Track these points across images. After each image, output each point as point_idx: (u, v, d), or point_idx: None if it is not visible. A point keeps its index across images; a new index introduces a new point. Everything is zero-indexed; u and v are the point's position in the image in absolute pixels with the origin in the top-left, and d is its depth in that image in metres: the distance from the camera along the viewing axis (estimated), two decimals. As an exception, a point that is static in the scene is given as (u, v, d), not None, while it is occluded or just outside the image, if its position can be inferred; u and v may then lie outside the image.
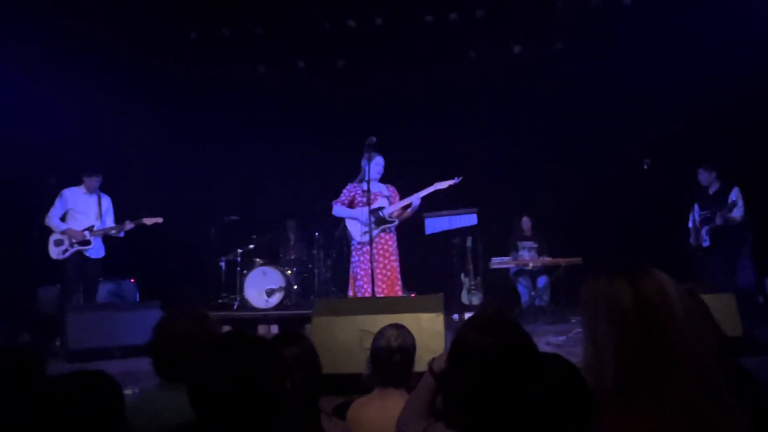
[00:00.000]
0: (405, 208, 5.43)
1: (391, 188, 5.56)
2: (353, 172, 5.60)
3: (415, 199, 5.33)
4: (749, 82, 6.94)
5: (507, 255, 7.83)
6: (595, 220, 8.08)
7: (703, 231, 6.26)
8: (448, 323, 3.96)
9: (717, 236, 6.15)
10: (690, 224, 6.42)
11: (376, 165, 5.38)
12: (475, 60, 8.47)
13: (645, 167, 6.02)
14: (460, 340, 1.51)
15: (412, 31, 8.10)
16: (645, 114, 7.66)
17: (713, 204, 6.16)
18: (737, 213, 6.03)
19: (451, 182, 5.31)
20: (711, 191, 6.28)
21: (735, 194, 6.09)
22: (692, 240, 6.37)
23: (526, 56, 8.32)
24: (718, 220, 6.06)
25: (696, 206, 6.41)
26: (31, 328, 6.37)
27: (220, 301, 8.05)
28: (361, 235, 5.33)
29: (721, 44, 7.04)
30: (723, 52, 7.07)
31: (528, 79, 8.25)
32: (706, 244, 6.26)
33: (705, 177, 6.29)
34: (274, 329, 6.74)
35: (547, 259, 7.45)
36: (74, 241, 6.15)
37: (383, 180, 5.56)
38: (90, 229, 6.22)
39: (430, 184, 5.33)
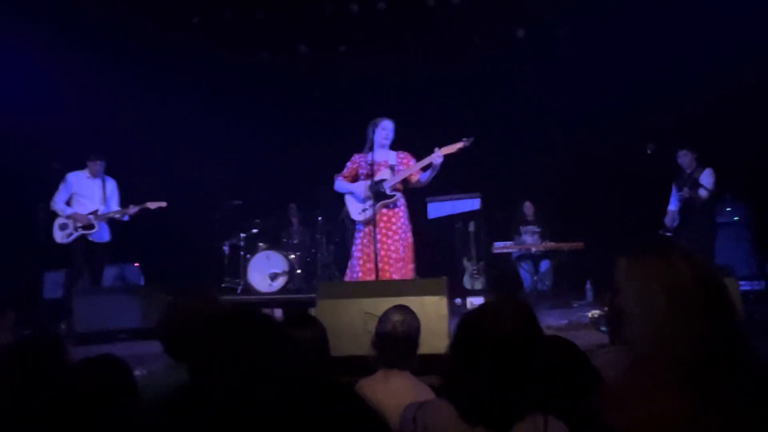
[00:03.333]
0: (421, 170, 4.83)
1: (402, 154, 4.98)
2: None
3: (417, 167, 4.78)
4: (758, 67, 6.91)
5: (509, 239, 7.85)
6: (599, 205, 8.08)
7: (677, 211, 6.31)
8: (451, 307, 3.99)
9: (685, 216, 6.22)
10: (670, 207, 6.44)
11: (382, 130, 4.87)
12: (478, 43, 8.42)
13: (649, 152, 6.02)
14: (469, 323, 1.53)
15: (415, 15, 8.05)
16: (649, 98, 7.62)
17: (688, 185, 6.18)
18: (703, 192, 6.05)
19: (459, 145, 4.67)
20: (688, 172, 6.29)
21: (706, 174, 6.10)
22: (668, 221, 6.39)
23: (530, 40, 8.27)
24: (685, 193, 6.12)
25: (674, 188, 6.43)
26: (37, 312, 6.44)
27: (223, 285, 8.09)
28: (359, 213, 4.90)
29: (728, 28, 6.99)
30: (730, 36, 7.02)
31: (532, 64, 8.21)
32: (676, 224, 6.32)
33: (687, 160, 6.28)
34: (278, 313, 6.77)
35: (550, 244, 7.48)
36: (79, 225, 6.17)
37: (394, 147, 5.00)
38: (94, 213, 6.24)
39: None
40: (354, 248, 4.98)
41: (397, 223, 4.85)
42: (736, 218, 7.51)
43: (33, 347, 2.21)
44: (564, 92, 8.03)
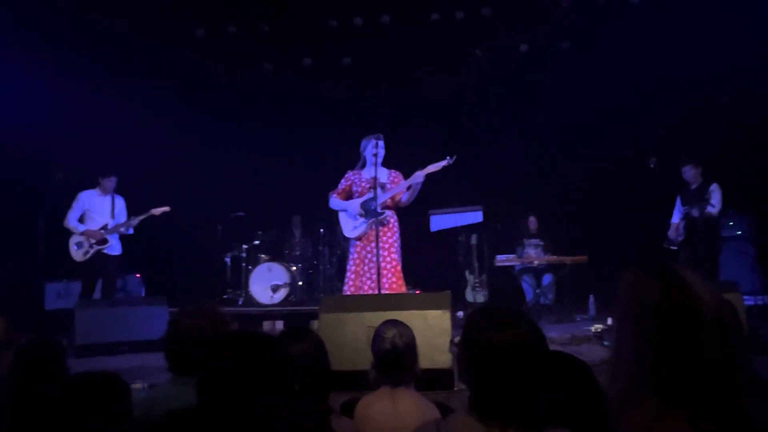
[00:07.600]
0: (396, 195, 4.97)
1: (394, 173, 5.05)
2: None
3: (403, 186, 4.88)
4: (759, 80, 6.93)
5: (512, 252, 7.83)
6: (602, 219, 8.07)
7: (681, 226, 6.27)
8: (453, 321, 3.97)
9: (690, 231, 6.18)
10: (673, 219, 6.42)
11: (373, 148, 4.90)
12: (481, 58, 8.45)
13: (652, 166, 6.01)
14: (474, 330, 1.51)
15: (419, 29, 8.09)
16: (652, 112, 7.64)
17: (694, 199, 6.15)
18: (711, 208, 6.02)
19: (443, 163, 4.78)
20: (693, 187, 6.26)
21: (713, 189, 6.08)
22: (672, 235, 6.37)
23: (532, 54, 8.30)
24: (694, 212, 6.08)
25: (678, 202, 6.41)
26: (37, 323, 6.43)
27: (225, 296, 8.07)
28: (351, 231, 4.97)
29: (729, 42, 7.02)
30: (732, 50, 7.05)
31: (534, 78, 8.23)
32: (681, 238, 6.27)
33: (691, 174, 6.26)
34: (279, 325, 6.77)
35: (553, 257, 7.44)
36: (93, 241, 6.28)
37: (387, 164, 5.05)
38: (104, 227, 6.36)
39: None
40: (348, 264, 5.05)
41: (391, 239, 4.92)
42: (739, 232, 7.48)
43: (34, 353, 2.21)
44: (567, 106, 8.04)
